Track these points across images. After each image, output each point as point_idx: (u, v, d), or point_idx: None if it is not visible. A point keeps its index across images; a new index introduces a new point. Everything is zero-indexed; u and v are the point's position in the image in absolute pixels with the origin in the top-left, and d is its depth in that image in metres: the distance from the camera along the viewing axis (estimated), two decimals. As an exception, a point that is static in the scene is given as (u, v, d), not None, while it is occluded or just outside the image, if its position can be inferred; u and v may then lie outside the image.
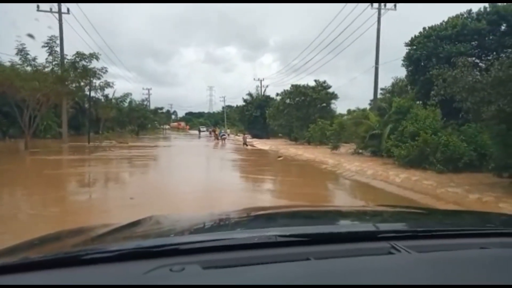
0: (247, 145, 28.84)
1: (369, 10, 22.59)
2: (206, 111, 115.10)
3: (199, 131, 56.35)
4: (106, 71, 24.21)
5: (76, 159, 17.36)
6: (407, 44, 17.13)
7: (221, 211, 1.89)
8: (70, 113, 29.39)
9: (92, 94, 29.24)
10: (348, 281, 0.82)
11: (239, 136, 44.21)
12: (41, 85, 18.66)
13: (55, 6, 25.65)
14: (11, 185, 9.67)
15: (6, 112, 22.94)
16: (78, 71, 21.64)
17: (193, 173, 12.87)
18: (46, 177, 11.38)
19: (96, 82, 25.99)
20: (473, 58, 13.89)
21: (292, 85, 31.48)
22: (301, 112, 29.25)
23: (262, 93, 47.71)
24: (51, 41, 21.35)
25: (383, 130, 15.82)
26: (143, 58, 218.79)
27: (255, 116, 41.45)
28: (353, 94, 71.99)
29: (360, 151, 17.75)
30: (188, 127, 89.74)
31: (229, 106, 78.17)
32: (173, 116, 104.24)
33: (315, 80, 30.67)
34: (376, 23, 22.51)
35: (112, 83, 28.01)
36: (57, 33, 24.13)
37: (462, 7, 17.59)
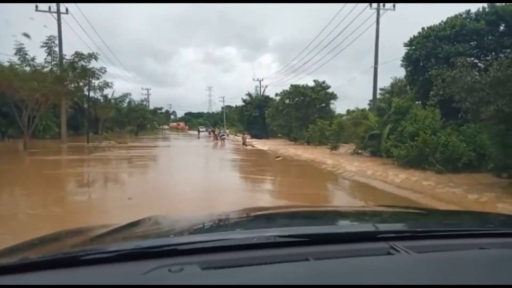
0: (246, 145, 28.83)
1: (368, 10, 22.60)
2: (205, 111, 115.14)
3: (198, 131, 56.31)
4: (105, 71, 24.23)
5: (75, 160, 17.34)
6: (406, 44, 17.14)
7: (220, 212, 1.89)
8: (69, 113, 29.35)
9: (91, 94, 29.30)
10: (347, 282, 0.82)
11: (238, 136, 44.21)
12: (40, 85, 18.64)
13: (53, 6, 25.66)
14: (10, 186, 9.65)
15: (5, 112, 22.91)
16: (77, 71, 21.61)
17: (192, 173, 12.86)
18: (45, 177, 11.36)
19: (95, 82, 26.07)
20: (472, 58, 13.90)
21: (291, 85, 31.52)
22: (300, 112, 29.26)
23: (261, 93, 47.74)
24: (50, 41, 21.33)
25: (382, 130, 15.83)
26: (142, 58, 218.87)
27: (254, 116, 41.46)
28: (352, 94, 72.11)
29: (360, 151, 17.76)
30: (187, 127, 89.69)
31: (228, 106, 78.26)
32: (172, 116, 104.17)
33: (314, 80, 30.74)
34: (375, 24, 22.52)
35: (111, 83, 28.10)
36: (55, 33, 24.15)
37: (461, 7, 17.57)
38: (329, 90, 30.16)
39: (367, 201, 8.88)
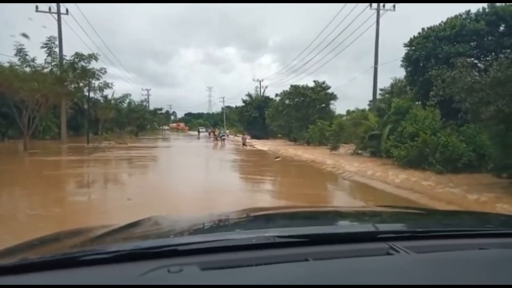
0: (246, 146, 28.85)
1: (368, 10, 22.62)
2: (205, 111, 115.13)
3: (199, 132, 56.33)
4: (105, 71, 24.25)
5: (75, 160, 17.34)
6: (406, 45, 17.15)
7: (220, 212, 1.89)
8: (69, 114, 29.36)
9: (91, 95, 29.32)
10: (347, 282, 0.82)
11: (238, 136, 44.22)
12: (40, 85, 18.65)
13: (54, 6, 25.67)
14: (11, 186, 9.65)
15: (5, 113, 22.90)
16: (77, 71, 21.63)
17: (192, 174, 12.85)
18: (45, 178, 11.36)
19: (95, 82, 26.12)
20: (472, 59, 13.91)
21: (291, 86, 31.52)
22: (300, 113, 29.26)
23: (261, 93, 47.77)
24: (50, 42, 21.37)
25: (382, 130, 15.83)
26: (143, 58, 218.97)
27: (254, 116, 41.47)
28: (352, 94, 72.14)
29: (359, 151, 17.76)
30: (187, 127, 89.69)
31: (228, 107, 78.24)
32: (172, 117, 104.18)
33: (314, 81, 30.73)
34: (375, 24, 22.53)
35: (111, 84, 28.18)
36: (55, 34, 24.16)
37: (461, 8, 17.59)
38: (329, 91, 30.17)
39: (367, 201, 8.88)
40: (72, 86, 22.59)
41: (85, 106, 32.12)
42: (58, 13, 25.76)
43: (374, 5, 22.45)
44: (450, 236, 1.17)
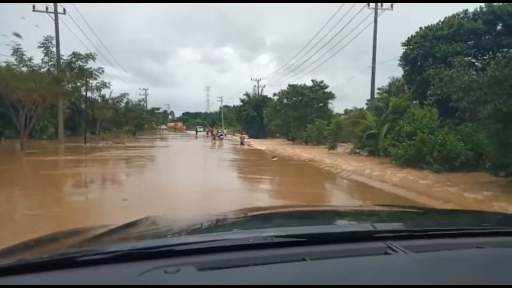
0: (244, 145, 28.87)
1: (366, 10, 22.65)
2: (203, 111, 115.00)
3: (196, 131, 56.27)
4: (103, 71, 24.22)
5: (72, 160, 17.29)
6: (403, 44, 17.17)
7: (218, 212, 1.89)
8: (66, 113, 29.26)
9: (89, 94, 29.17)
10: (345, 282, 0.81)
11: (236, 136, 44.21)
12: (37, 85, 18.59)
13: (51, 6, 25.59)
14: (7, 186, 9.61)
15: (2, 112, 22.81)
16: (74, 71, 21.59)
17: (190, 173, 12.83)
18: (42, 178, 11.32)
19: (93, 82, 26.03)
20: (470, 58, 13.93)
21: (289, 85, 31.51)
22: (298, 112, 29.27)
23: (259, 93, 47.75)
24: (47, 42, 21.29)
25: (380, 129, 15.86)
26: (140, 58, 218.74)
27: (252, 116, 41.46)
28: (350, 93, 72.13)
29: (357, 150, 17.78)
30: (185, 127, 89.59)
31: (226, 106, 78.14)
32: (170, 117, 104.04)
33: (312, 80, 30.73)
34: (373, 23, 22.57)
35: (109, 84, 28.05)
36: (53, 33, 24.07)
37: (459, 7, 17.63)
38: (327, 90, 30.20)
39: (365, 200, 8.89)
40: (70, 85, 22.55)
41: (83, 106, 32.01)
42: (55, 12, 25.67)
43: (372, 4, 22.49)
44: (448, 235, 1.17)
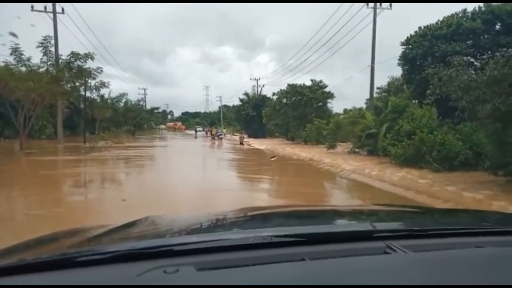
0: (243, 145, 28.88)
1: (365, 9, 22.66)
2: (202, 111, 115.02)
3: (196, 131, 56.29)
4: (102, 71, 24.18)
5: (72, 160, 17.27)
6: (402, 43, 17.18)
7: (217, 212, 1.89)
8: (65, 113, 29.23)
9: (88, 94, 29.13)
10: (344, 282, 0.81)
11: (235, 135, 44.21)
12: (36, 85, 18.56)
13: (49, 6, 25.56)
14: (7, 186, 9.60)
15: (1, 112, 22.78)
16: (73, 71, 21.56)
17: (189, 173, 12.83)
18: (41, 178, 11.31)
19: (92, 82, 26.01)
20: (468, 57, 13.94)
21: (289, 85, 31.53)
22: (298, 112, 29.28)
23: (259, 92, 47.76)
24: (45, 41, 21.25)
25: (379, 129, 15.87)
26: (139, 58, 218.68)
27: (251, 115, 41.46)
28: (349, 93, 72.20)
29: (357, 150, 17.79)
30: (184, 127, 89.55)
31: (225, 106, 78.16)
32: (169, 116, 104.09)
33: (312, 80, 30.74)
34: (372, 23, 22.58)
35: (108, 83, 28.03)
36: (51, 33, 24.03)
37: (458, 7, 17.64)
38: (326, 89, 30.21)
39: (364, 199, 8.90)
40: (68, 85, 22.52)
41: (82, 106, 31.98)
42: (54, 12, 25.64)
43: (371, 4, 22.50)
44: (447, 235, 1.17)
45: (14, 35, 16.90)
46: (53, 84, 19.83)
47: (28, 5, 24.54)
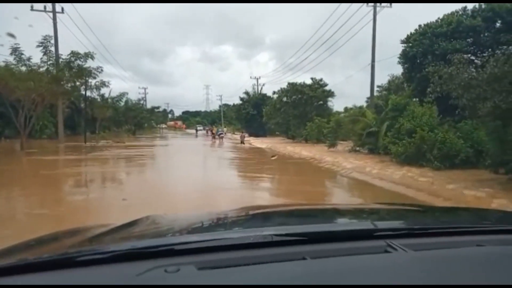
0: (244, 144, 28.88)
1: (365, 8, 22.63)
2: (203, 110, 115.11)
3: (196, 130, 56.31)
4: (102, 70, 24.17)
5: (72, 159, 17.28)
6: (402, 42, 17.14)
7: (218, 211, 1.89)
8: (66, 113, 29.23)
9: (88, 93, 29.15)
10: (345, 280, 0.81)
11: (236, 134, 44.22)
12: (36, 85, 18.55)
13: (49, 5, 25.54)
14: (9, 186, 9.61)
15: (1, 112, 22.79)
16: (73, 70, 21.54)
17: (190, 172, 12.82)
18: (42, 177, 11.32)
19: (92, 81, 25.99)
20: (469, 55, 13.93)
21: (289, 83, 31.50)
22: (298, 110, 29.26)
23: (259, 91, 47.73)
24: (45, 41, 21.24)
25: (380, 127, 15.86)
26: (139, 57, 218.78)
27: (252, 114, 41.45)
28: (349, 91, 72.13)
29: (357, 148, 17.79)
30: (184, 126, 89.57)
31: (226, 105, 78.14)
32: (169, 115, 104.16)
33: (312, 78, 30.70)
34: (372, 21, 22.54)
35: (108, 83, 28.02)
36: (51, 33, 24.02)
37: (457, 6, 17.57)
38: (327, 88, 30.20)
39: (365, 198, 8.89)
40: (69, 85, 22.49)
41: (82, 105, 31.98)
42: (54, 12, 25.62)
43: (371, 2, 22.45)
44: (448, 233, 1.17)
45: (12, 35, 16.87)
46: (53, 83, 19.81)
47: (28, 5, 24.56)
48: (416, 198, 8.22)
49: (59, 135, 26.52)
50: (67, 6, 26.10)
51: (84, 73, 22.64)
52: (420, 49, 15.88)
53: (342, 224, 1.56)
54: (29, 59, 19.74)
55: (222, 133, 36.44)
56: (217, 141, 33.16)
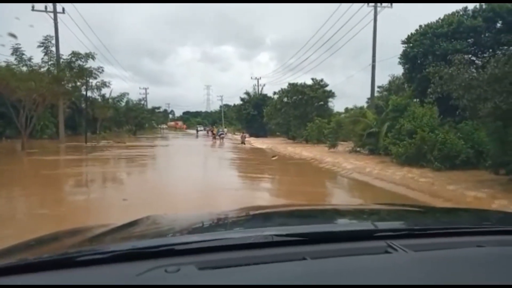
0: (245, 144, 28.89)
1: (365, 8, 22.62)
2: (203, 110, 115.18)
3: (197, 130, 56.30)
4: (103, 70, 24.22)
5: (73, 160, 17.30)
6: (403, 42, 17.14)
7: (218, 211, 1.89)
8: (66, 113, 29.26)
9: (89, 94, 29.18)
10: (345, 281, 0.81)
11: (236, 135, 44.22)
12: (37, 85, 18.56)
13: (50, 6, 25.58)
14: (10, 186, 9.61)
15: (2, 112, 22.81)
16: (74, 71, 21.57)
17: (190, 173, 12.82)
18: (43, 178, 11.32)
19: (93, 81, 26.03)
20: (469, 56, 13.91)
21: (289, 84, 31.49)
22: (299, 111, 29.25)
23: (259, 92, 47.74)
24: (46, 41, 21.26)
25: (380, 128, 15.85)
26: (140, 57, 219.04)
27: (252, 115, 41.45)
28: (350, 92, 72.22)
29: (358, 149, 17.78)
30: (185, 126, 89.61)
31: (226, 105, 78.14)
32: (170, 116, 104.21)
33: (312, 79, 30.69)
34: (373, 21, 22.54)
35: (109, 83, 28.06)
36: (52, 33, 24.05)
37: (458, 6, 17.58)
38: (327, 88, 30.18)
39: (365, 198, 8.89)
40: (70, 85, 22.52)
41: (83, 105, 32.00)
42: (55, 12, 25.66)
43: (371, 3, 22.45)
44: (448, 234, 1.17)
45: (13, 36, 16.85)
46: (54, 84, 19.82)
47: (29, 5, 24.60)
48: (416, 198, 8.21)
49: (60, 135, 26.55)
50: (68, 6, 26.16)
51: (85, 73, 22.68)
52: (421, 49, 15.87)
53: (343, 224, 1.56)
54: (30, 59, 19.77)
55: (222, 134, 36.45)
56: (218, 142, 33.16)
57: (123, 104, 43.77)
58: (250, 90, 46.98)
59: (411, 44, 16.57)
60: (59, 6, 25.85)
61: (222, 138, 34.59)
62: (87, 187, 10.51)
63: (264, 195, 9.24)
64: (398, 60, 17.62)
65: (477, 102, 8.59)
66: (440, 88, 9.71)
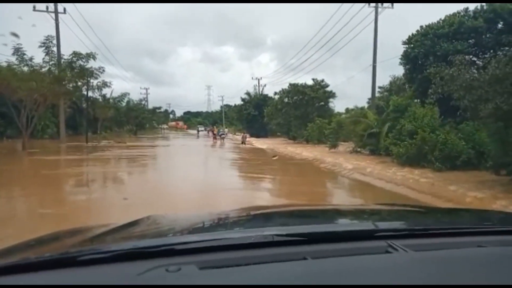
0: (245, 144, 28.89)
1: (366, 8, 22.59)
2: (204, 110, 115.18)
3: (198, 130, 56.31)
4: (103, 70, 24.22)
5: (74, 159, 17.32)
6: (404, 43, 17.13)
7: (219, 211, 1.89)
8: (67, 113, 29.30)
9: (90, 94, 29.19)
10: (345, 281, 0.81)
11: (237, 135, 44.23)
12: (38, 85, 18.58)
13: (51, 6, 25.62)
14: (11, 186, 9.63)
15: (3, 112, 22.85)
16: (75, 71, 21.57)
17: (191, 173, 12.83)
18: (44, 177, 11.33)
19: (94, 82, 26.04)
20: (470, 56, 13.89)
21: (290, 84, 31.51)
22: (299, 111, 29.25)
23: (260, 92, 47.75)
24: (47, 41, 21.27)
25: (381, 128, 15.85)
26: (141, 57, 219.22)
27: (253, 115, 41.47)
28: (351, 92, 72.30)
29: (359, 149, 17.77)
30: (186, 126, 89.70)
31: (227, 105, 78.21)
32: (171, 116, 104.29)
33: (313, 79, 30.70)
34: (374, 22, 22.52)
35: (110, 83, 28.05)
36: (53, 33, 24.09)
37: (459, 6, 17.59)
38: (328, 89, 30.18)
39: (366, 198, 8.88)
40: (70, 85, 22.52)
41: (84, 105, 32.03)
42: (56, 12, 25.72)
43: (372, 3, 22.43)
44: (449, 234, 1.17)
45: (15, 35, 16.87)
46: (55, 84, 19.84)
47: (30, 5, 24.65)
48: (417, 199, 8.20)
49: (61, 135, 26.59)
50: (69, 6, 26.21)
51: (86, 74, 22.69)
52: (422, 50, 15.86)
53: (343, 224, 1.56)
54: (31, 59, 19.77)
55: (223, 134, 36.48)
56: (218, 142, 33.18)
57: (124, 104, 43.82)
58: (251, 91, 47.08)
59: (412, 45, 16.56)
60: (60, 6, 25.96)
61: (223, 138, 34.62)
62: (88, 187, 10.52)
63: (264, 195, 9.24)
64: (399, 60, 17.63)
65: (478, 102, 8.58)
66: (441, 89, 9.70)
